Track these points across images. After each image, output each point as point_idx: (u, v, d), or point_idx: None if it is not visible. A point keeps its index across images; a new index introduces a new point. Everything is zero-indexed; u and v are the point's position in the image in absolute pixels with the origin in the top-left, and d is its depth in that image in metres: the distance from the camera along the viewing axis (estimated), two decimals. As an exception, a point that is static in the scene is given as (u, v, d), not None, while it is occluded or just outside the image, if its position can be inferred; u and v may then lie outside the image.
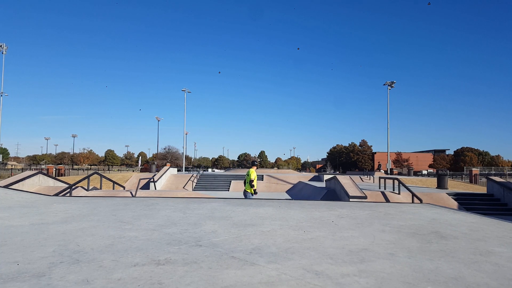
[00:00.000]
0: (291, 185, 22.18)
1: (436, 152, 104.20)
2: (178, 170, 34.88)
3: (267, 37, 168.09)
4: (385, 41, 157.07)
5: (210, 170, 62.93)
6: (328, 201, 5.03)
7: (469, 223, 3.13)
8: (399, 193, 12.52)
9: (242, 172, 34.46)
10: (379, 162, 61.55)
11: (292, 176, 26.22)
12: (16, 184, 10.27)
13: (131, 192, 11.54)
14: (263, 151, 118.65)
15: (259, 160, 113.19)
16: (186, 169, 54.76)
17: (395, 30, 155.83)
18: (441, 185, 18.00)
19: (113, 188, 14.03)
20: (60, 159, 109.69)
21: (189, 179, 22.20)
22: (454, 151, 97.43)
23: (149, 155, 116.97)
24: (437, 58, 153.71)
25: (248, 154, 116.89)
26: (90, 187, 12.38)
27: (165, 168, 24.55)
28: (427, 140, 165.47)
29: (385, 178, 15.47)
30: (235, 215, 3.29)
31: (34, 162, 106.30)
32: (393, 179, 13.50)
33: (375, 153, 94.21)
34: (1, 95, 40.65)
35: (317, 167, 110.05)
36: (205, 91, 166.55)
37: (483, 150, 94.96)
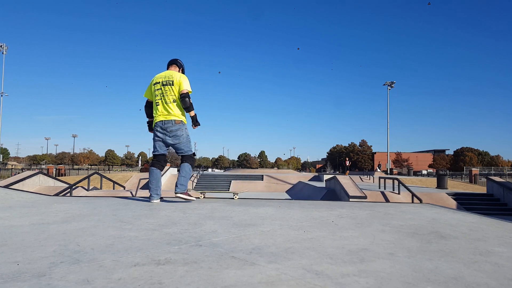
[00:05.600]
0: (291, 185, 22.15)
1: (436, 152, 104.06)
2: (178, 170, 34.85)
3: (267, 37, 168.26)
4: (385, 41, 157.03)
5: (210, 170, 62.82)
6: (328, 201, 5.03)
7: (468, 223, 3.14)
8: (399, 193, 12.52)
9: (242, 172, 34.35)
10: (379, 162, 61.52)
11: (292, 176, 26.20)
12: (17, 184, 10.27)
13: (131, 192, 11.54)
14: (263, 151, 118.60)
15: (259, 160, 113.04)
16: (186, 169, 54.51)
17: (395, 30, 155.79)
18: (440, 185, 17.99)
19: (114, 188, 14.03)
20: (61, 159, 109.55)
21: (189, 179, 22.14)
22: (454, 151, 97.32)
23: (149, 155, 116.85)
24: (437, 58, 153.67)
25: (248, 154, 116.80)
26: (91, 187, 12.38)
27: (165, 168, 24.52)
28: (427, 140, 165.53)
29: (385, 178, 15.45)
30: (235, 215, 3.29)
31: (35, 162, 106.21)
32: (393, 179, 13.49)
33: (375, 153, 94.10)
34: (1, 95, 40.64)
35: (317, 167, 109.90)
36: (205, 91, 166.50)
37: (483, 150, 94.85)
